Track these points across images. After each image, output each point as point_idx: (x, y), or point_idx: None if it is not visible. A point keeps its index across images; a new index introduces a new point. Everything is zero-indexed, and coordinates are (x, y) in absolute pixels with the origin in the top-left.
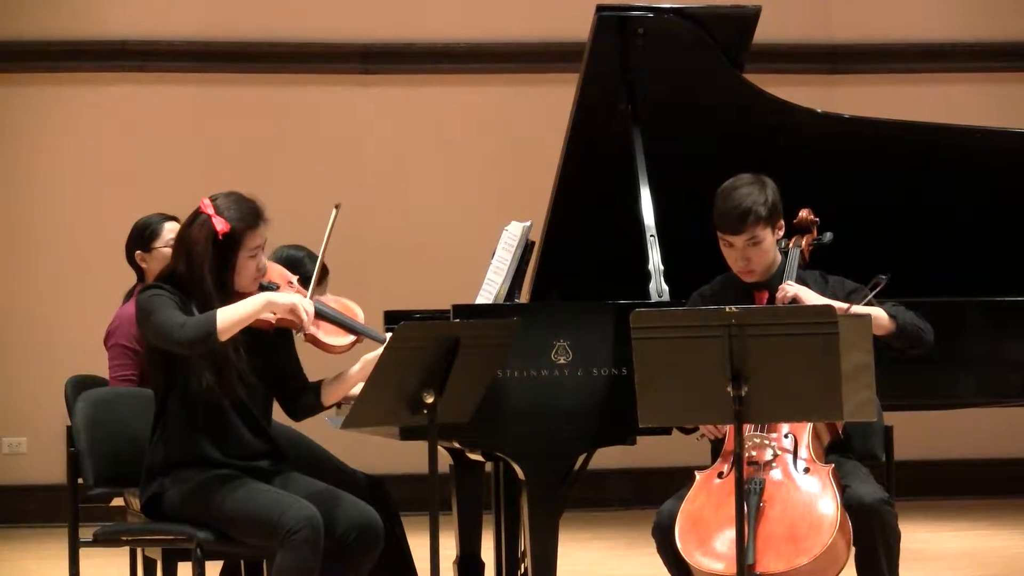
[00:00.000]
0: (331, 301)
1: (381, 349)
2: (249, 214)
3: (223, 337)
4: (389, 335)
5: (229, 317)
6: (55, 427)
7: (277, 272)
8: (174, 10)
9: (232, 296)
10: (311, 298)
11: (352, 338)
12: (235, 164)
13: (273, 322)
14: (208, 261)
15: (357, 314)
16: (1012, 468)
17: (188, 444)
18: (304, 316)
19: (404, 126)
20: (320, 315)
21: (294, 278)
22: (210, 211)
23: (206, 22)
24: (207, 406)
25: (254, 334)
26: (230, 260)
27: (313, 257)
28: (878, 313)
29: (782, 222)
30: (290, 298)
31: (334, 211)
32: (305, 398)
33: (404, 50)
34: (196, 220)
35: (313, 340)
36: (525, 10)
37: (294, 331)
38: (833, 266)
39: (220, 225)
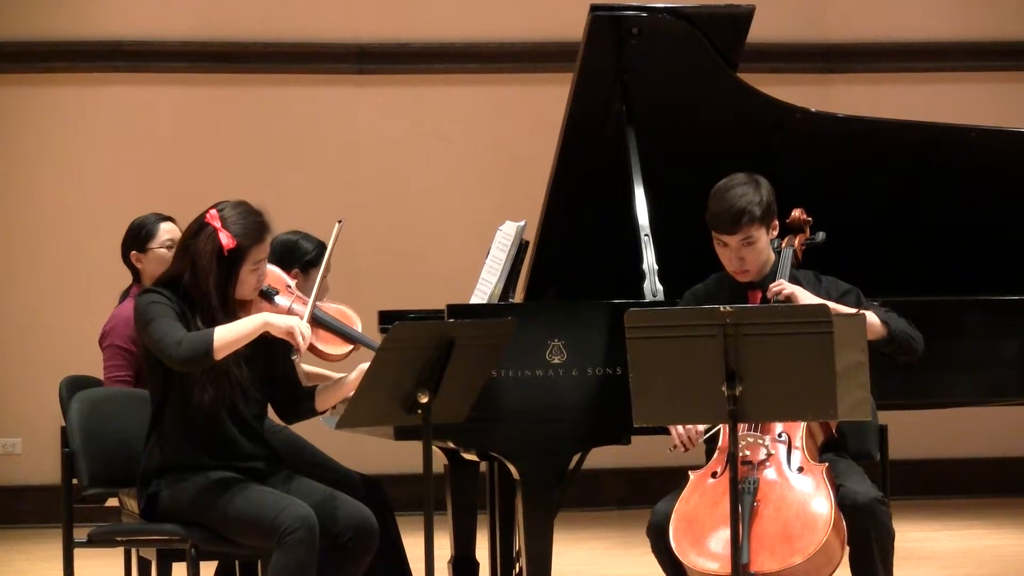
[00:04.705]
0: (330, 309)
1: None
2: (255, 229)
3: (218, 357)
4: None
5: (225, 337)
6: (49, 427)
7: (274, 277)
8: (169, 10)
9: (232, 305)
10: (312, 306)
11: (349, 347)
12: (231, 164)
13: (268, 335)
14: (213, 274)
15: (355, 322)
16: (1007, 467)
17: (184, 447)
18: (300, 340)
19: (400, 126)
20: (319, 323)
21: (292, 282)
22: (216, 224)
23: (201, 22)
24: (203, 411)
25: (254, 339)
26: (233, 273)
27: (307, 237)
28: (871, 318)
29: (776, 222)
30: (287, 321)
31: (336, 226)
32: (299, 403)
33: (400, 50)
34: (202, 231)
35: (311, 348)
36: (520, 10)
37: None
38: (827, 266)
39: (226, 240)
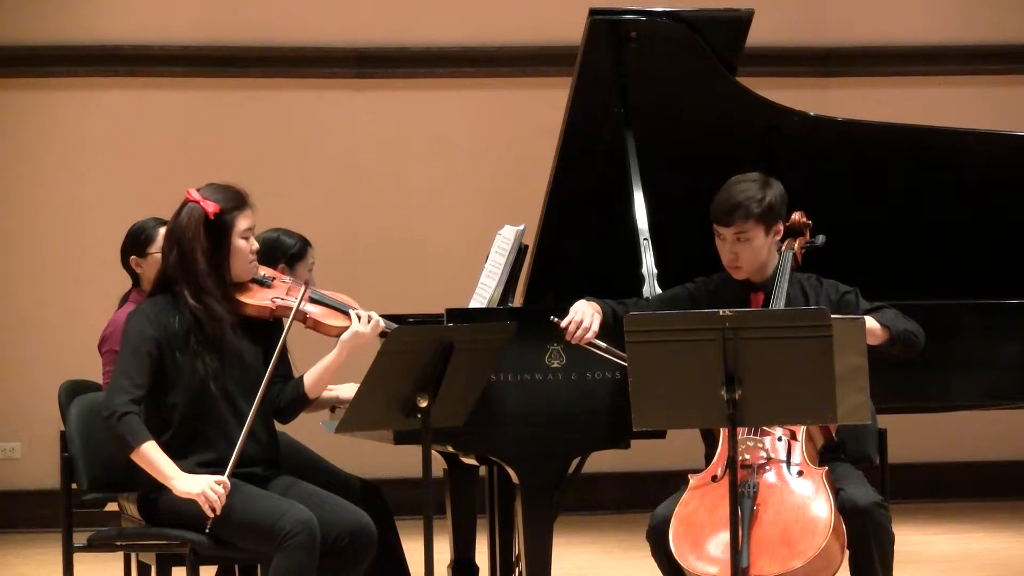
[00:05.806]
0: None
1: (351, 329)
2: (235, 196)
3: (132, 457)
4: (356, 312)
5: (144, 457)
6: (49, 432)
7: (269, 270)
8: (167, 15)
9: (228, 281)
10: (305, 291)
11: (349, 321)
12: (229, 169)
13: (269, 315)
14: (201, 243)
15: (355, 306)
16: (1006, 470)
17: (183, 450)
18: (207, 506)
19: (398, 130)
20: (317, 303)
21: (287, 278)
22: (196, 197)
23: (199, 27)
24: (202, 412)
25: (252, 320)
26: (224, 242)
27: (288, 232)
28: (871, 324)
29: (780, 225)
30: (199, 487)
31: (302, 288)
32: (288, 391)
33: (398, 54)
34: (184, 208)
35: (314, 326)
36: (519, 14)
37: (288, 318)
38: (827, 268)
39: (210, 207)
